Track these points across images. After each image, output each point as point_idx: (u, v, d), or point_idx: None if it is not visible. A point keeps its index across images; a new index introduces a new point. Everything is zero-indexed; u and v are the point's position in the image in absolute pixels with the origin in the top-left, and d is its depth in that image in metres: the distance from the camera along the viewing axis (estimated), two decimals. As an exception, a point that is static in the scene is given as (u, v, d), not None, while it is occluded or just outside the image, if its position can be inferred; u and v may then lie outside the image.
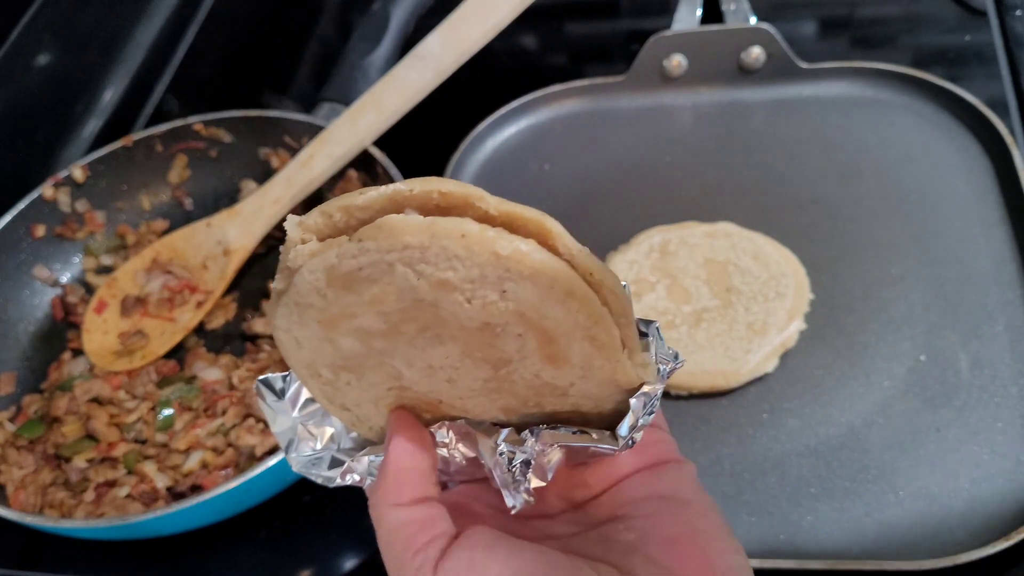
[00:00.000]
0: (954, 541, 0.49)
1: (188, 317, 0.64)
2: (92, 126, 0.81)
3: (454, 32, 0.59)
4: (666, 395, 0.56)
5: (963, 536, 0.49)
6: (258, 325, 0.63)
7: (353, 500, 0.55)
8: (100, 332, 0.64)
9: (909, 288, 0.59)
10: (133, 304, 0.65)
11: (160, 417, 0.57)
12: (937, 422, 0.53)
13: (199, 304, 0.64)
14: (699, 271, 0.60)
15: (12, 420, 0.60)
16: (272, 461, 0.49)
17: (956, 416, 0.53)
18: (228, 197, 0.72)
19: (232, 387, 0.58)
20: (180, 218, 0.72)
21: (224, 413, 0.56)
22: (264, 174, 0.71)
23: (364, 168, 0.66)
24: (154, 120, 0.81)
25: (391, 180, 0.63)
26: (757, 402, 0.56)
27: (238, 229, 0.64)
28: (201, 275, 0.64)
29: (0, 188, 0.69)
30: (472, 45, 0.59)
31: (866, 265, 0.61)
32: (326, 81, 0.73)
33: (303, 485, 0.55)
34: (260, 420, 0.56)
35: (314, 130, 0.68)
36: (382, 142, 0.64)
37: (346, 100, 0.69)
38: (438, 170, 0.71)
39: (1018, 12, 0.74)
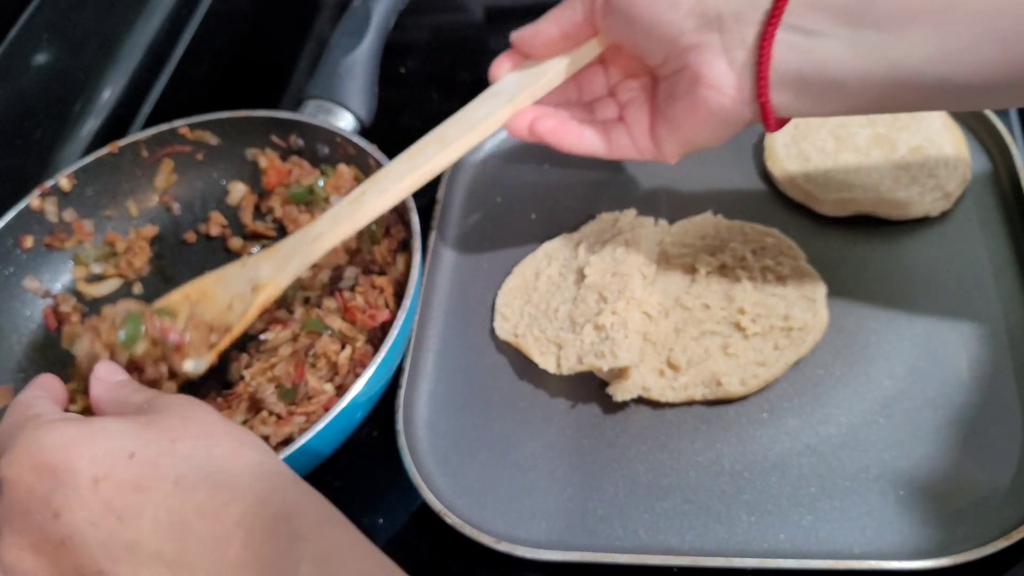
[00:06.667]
0: (954, 541, 0.51)
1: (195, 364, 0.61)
2: (90, 125, 0.84)
3: (531, 68, 0.59)
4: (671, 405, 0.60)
5: (963, 535, 0.51)
6: (258, 323, 0.65)
7: (353, 499, 0.58)
8: None
9: (909, 287, 0.63)
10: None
11: None
12: (937, 422, 0.56)
13: (211, 346, 0.60)
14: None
15: None
16: (285, 452, 0.51)
17: (956, 416, 0.56)
18: (216, 200, 0.75)
19: (243, 380, 0.60)
20: (168, 223, 0.75)
21: (235, 409, 0.59)
22: (252, 175, 0.74)
23: (355, 163, 0.69)
24: (153, 120, 0.84)
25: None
26: (757, 401, 0.59)
27: (272, 266, 0.60)
28: (224, 316, 0.61)
29: (-2, 186, 0.72)
30: (553, 78, 0.59)
31: (866, 264, 0.64)
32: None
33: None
34: (273, 413, 0.58)
35: (300, 127, 0.70)
36: (380, 141, 0.67)
37: (330, 96, 0.72)
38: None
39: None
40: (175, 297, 0.62)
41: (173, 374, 0.58)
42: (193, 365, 0.58)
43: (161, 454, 0.38)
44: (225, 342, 0.59)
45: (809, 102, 0.50)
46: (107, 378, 0.47)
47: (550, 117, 0.60)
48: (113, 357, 0.57)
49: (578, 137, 0.60)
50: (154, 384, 0.58)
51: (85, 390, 0.54)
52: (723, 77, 0.50)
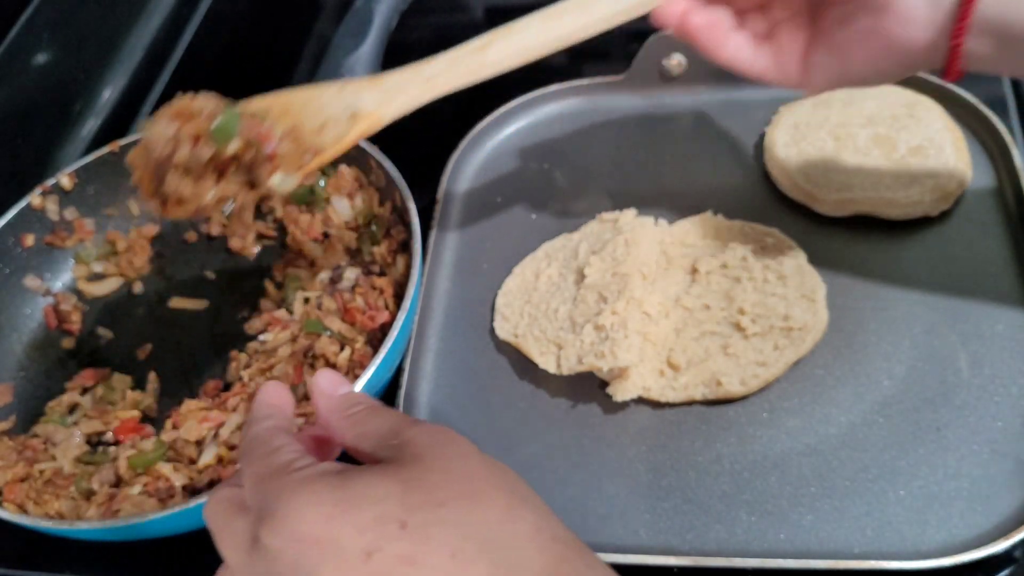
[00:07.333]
0: (954, 541, 0.52)
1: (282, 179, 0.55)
2: (91, 125, 0.85)
3: None
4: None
5: (963, 536, 0.52)
6: (258, 324, 0.66)
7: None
8: None
9: (909, 287, 0.63)
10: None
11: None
12: (937, 421, 0.57)
13: (300, 166, 0.54)
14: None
15: (10, 432, 0.63)
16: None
17: (956, 415, 0.57)
18: (217, 199, 0.75)
19: (242, 381, 0.61)
20: (169, 222, 0.75)
21: (235, 410, 0.59)
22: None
23: (357, 164, 0.70)
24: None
25: (386, 176, 0.67)
26: (757, 401, 0.59)
27: (375, 97, 0.55)
28: (314, 137, 0.55)
29: (-1, 186, 0.73)
30: None
31: (866, 264, 0.65)
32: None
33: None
34: None
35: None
36: (379, 140, 0.68)
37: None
38: (438, 169, 0.75)
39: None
40: (259, 104, 0.55)
41: (253, 185, 0.53)
42: (280, 180, 0.53)
43: (432, 523, 0.35)
44: (315, 164, 0.54)
45: (1003, 55, 0.47)
46: (331, 391, 0.43)
47: (704, 12, 0.55)
48: (193, 147, 0.51)
49: (724, 42, 0.55)
50: (223, 201, 0.53)
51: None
52: (917, 11, 0.46)
